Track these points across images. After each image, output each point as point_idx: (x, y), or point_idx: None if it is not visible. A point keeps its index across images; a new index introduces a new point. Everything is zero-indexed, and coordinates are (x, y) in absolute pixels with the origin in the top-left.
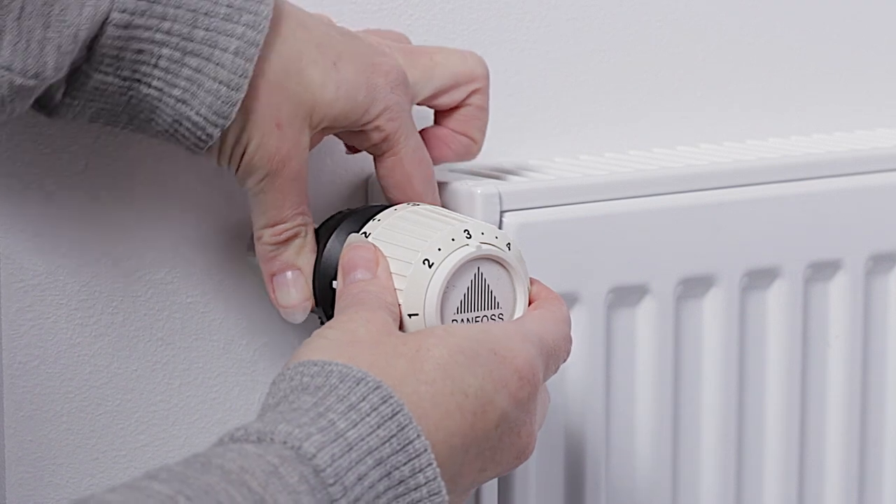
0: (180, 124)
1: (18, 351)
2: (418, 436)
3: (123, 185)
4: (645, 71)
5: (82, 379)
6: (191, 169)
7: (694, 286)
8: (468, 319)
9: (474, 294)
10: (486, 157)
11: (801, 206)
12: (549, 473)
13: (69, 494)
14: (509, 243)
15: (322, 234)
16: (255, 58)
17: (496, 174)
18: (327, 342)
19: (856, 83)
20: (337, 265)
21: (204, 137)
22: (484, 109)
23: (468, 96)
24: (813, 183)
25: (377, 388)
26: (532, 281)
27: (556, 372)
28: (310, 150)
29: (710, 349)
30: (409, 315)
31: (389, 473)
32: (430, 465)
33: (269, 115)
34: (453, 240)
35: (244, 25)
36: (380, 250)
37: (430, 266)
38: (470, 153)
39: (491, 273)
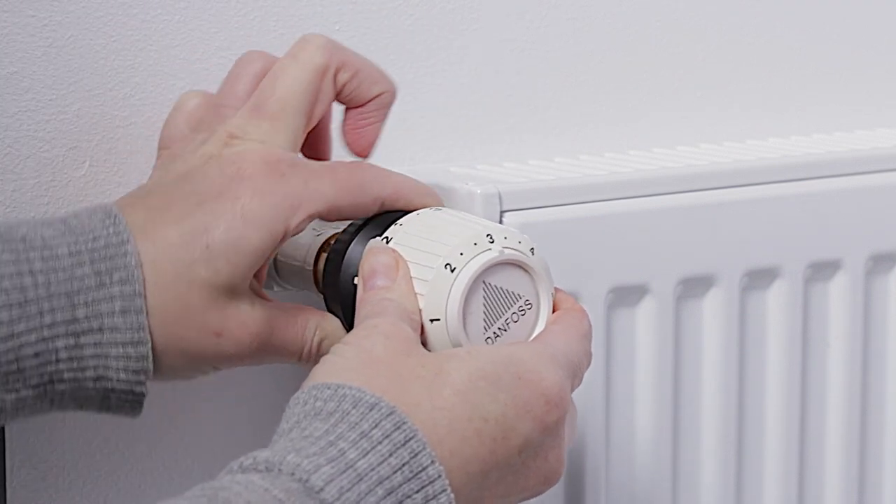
0: (109, 399)
1: None
2: (432, 462)
3: (124, 186)
4: (645, 71)
5: None
6: None
7: (694, 286)
8: (492, 324)
9: (498, 299)
10: (486, 157)
11: (801, 206)
12: None
13: (72, 497)
14: (533, 248)
15: (344, 240)
16: (143, 305)
17: (496, 174)
18: (344, 362)
19: (856, 83)
20: (358, 266)
21: (135, 398)
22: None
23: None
24: (813, 183)
25: (390, 413)
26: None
27: (578, 385)
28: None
29: (710, 349)
30: (431, 320)
31: (401, 502)
32: (443, 491)
33: (192, 330)
34: (476, 244)
35: (118, 283)
36: (400, 255)
37: (452, 270)
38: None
39: (514, 278)
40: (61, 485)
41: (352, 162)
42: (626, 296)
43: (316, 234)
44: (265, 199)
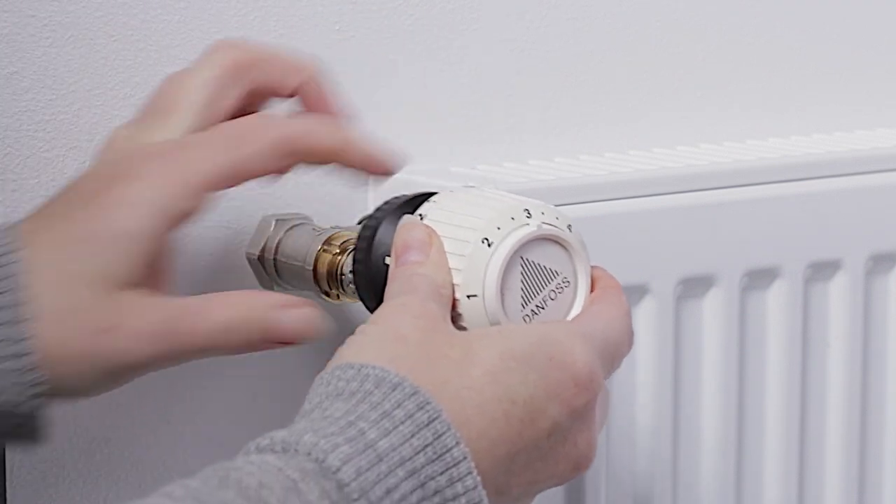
0: (4, 422)
1: None
2: (457, 443)
3: None
4: (645, 71)
5: None
6: None
7: (694, 286)
8: (530, 301)
9: (535, 275)
10: (486, 157)
11: (801, 206)
12: None
13: (72, 497)
14: (570, 224)
15: (374, 221)
16: (27, 313)
17: (496, 174)
18: (369, 340)
19: (856, 83)
20: (390, 246)
21: (33, 418)
22: None
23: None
24: (813, 183)
25: (414, 393)
26: (594, 267)
27: (618, 367)
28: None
29: (710, 349)
30: (468, 296)
31: (424, 484)
32: (469, 473)
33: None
34: (513, 219)
35: (3, 293)
36: (434, 230)
37: (489, 245)
38: None
39: (552, 254)
40: (61, 485)
41: (237, 119)
42: (627, 296)
43: (316, 234)
44: (145, 181)
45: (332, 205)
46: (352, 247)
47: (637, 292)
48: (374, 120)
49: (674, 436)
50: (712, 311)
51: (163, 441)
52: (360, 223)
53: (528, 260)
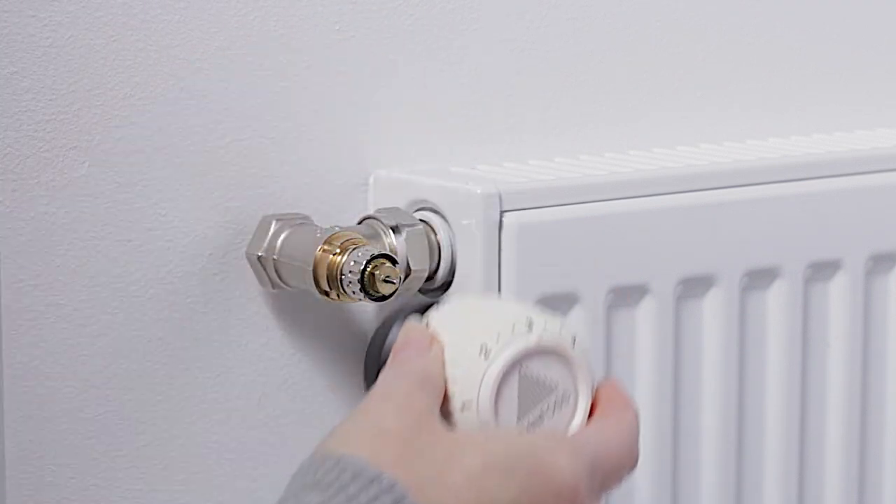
0: None
1: (18, 351)
2: None
3: (123, 187)
4: (645, 71)
5: (82, 379)
6: (190, 171)
7: (694, 286)
8: (526, 414)
9: (533, 388)
10: (486, 157)
11: (801, 206)
12: None
13: (69, 495)
14: (575, 337)
15: (386, 325)
16: None
17: (496, 174)
18: (354, 430)
19: (856, 83)
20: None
21: None
22: None
23: None
24: (813, 183)
25: (391, 488)
26: (604, 382)
27: (616, 486)
28: None
29: (710, 349)
30: (462, 407)
31: None
32: None
33: None
34: (514, 329)
35: None
36: (436, 336)
37: (486, 356)
38: None
39: (552, 367)
40: (61, 484)
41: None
42: (626, 296)
43: (316, 234)
44: None
45: (332, 205)
46: (352, 247)
47: (637, 292)
48: (375, 120)
49: (674, 436)
50: (712, 311)
51: (163, 442)
52: (360, 223)
53: (526, 372)
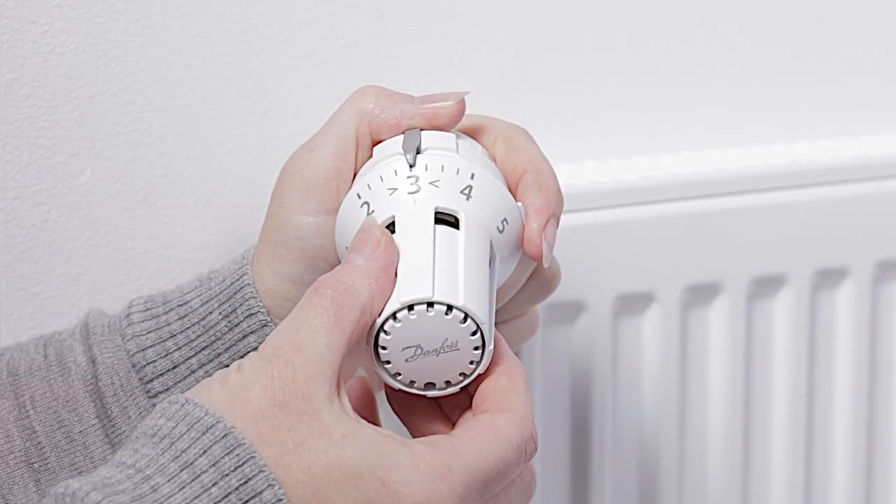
0: None
1: None
2: (269, 485)
3: (125, 193)
4: (650, 77)
5: None
6: (192, 178)
7: (700, 294)
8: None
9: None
10: None
11: (808, 213)
12: (555, 481)
13: None
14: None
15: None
16: None
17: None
18: (218, 391)
19: (862, 89)
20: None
21: None
22: None
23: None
24: (819, 190)
25: (224, 436)
26: (497, 343)
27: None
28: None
29: (717, 357)
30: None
31: None
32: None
33: None
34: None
35: None
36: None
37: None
38: None
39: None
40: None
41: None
42: (633, 304)
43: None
44: None
45: None
46: None
47: (643, 300)
48: None
49: (680, 444)
50: (719, 318)
51: None
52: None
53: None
